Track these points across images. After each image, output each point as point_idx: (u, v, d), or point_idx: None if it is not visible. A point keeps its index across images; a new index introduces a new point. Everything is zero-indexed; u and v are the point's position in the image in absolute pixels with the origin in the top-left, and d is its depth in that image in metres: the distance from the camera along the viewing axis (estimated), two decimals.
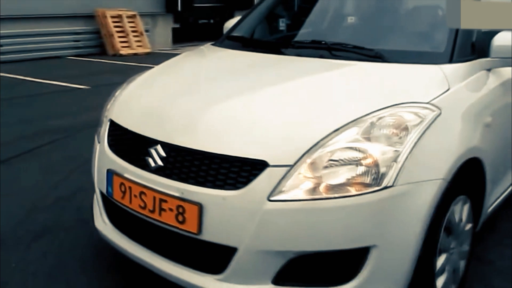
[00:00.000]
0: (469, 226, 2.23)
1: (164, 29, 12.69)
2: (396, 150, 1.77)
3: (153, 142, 1.99)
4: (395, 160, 1.75)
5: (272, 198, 1.72)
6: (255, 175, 1.75)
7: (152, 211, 1.94)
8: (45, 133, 4.76)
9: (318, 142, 1.77)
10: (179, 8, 12.56)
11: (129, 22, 11.02)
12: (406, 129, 1.83)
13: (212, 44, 2.98)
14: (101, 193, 2.28)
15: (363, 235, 1.73)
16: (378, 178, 1.73)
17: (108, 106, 2.47)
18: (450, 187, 1.90)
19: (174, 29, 12.93)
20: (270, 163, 1.75)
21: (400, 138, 1.81)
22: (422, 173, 1.80)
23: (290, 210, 1.72)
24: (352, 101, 1.99)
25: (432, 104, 1.96)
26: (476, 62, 2.37)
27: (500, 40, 2.34)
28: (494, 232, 2.88)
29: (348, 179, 1.73)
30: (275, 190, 1.72)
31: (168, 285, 1.99)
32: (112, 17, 10.72)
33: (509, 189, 2.75)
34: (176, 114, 2.09)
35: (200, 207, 1.80)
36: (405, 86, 2.12)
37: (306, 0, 3.08)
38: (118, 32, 10.65)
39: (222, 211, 1.78)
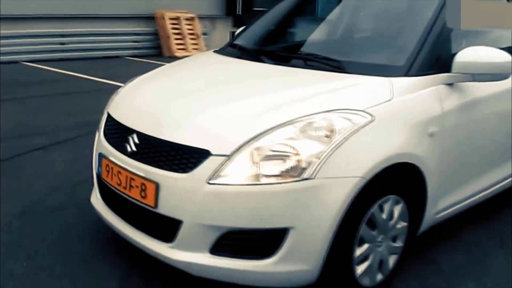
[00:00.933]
0: (403, 224, 2.59)
1: (223, 32, 13.42)
2: (320, 149, 2.20)
3: (132, 132, 2.54)
4: (317, 157, 2.18)
5: (210, 182, 2.20)
6: (200, 162, 2.24)
7: (125, 188, 2.49)
8: (84, 125, 5.49)
9: (254, 137, 2.22)
10: (239, 12, 13.27)
11: (187, 24, 11.82)
12: (333, 131, 2.25)
13: (214, 51, 3.51)
14: (96, 173, 2.86)
15: (282, 217, 2.17)
16: (300, 171, 2.16)
17: (110, 101, 3.07)
18: (372, 186, 2.29)
19: (233, 33, 13.66)
20: (213, 152, 2.23)
21: (329, 138, 2.24)
22: (342, 170, 2.21)
23: (224, 193, 2.19)
24: (296, 104, 2.42)
25: (366, 112, 2.36)
26: (435, 77, 2.68)
27: (462, 56, 2.65)
28: (451, 238, 3.22)
29: (277, 170, 2.18)
30: (214, 175, 2.20)
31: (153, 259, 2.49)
32: (171, 19, 11.56)
33: (469, 200, 3.05)
34: (150, 109, 2.65)
35: (157, 185, 2.32)
36: (349, 95, 2.52)
37: (298, 15, 3.52)
38: (175, 34, 11.48)
39: (173, 189, 2.29)
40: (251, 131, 2.26)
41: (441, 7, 2.86)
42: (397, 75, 2.62)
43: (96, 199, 2.86)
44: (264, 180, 2.17)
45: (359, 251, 2.38)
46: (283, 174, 2.17)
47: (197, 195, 2.22)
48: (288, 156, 2.19)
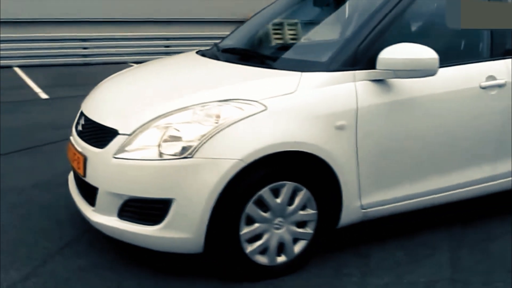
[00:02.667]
0: (310, 212, 2.78)
1: None
2: (204, 132, 2.52)
3: (82, 115, 3.09)
4: (199, 139, 2.51)
5: (115, 156, 2.64)
6: (112, 139, 2.69)
7: (72, 161, 3.03)
8: None
9: (152, 120, 2.61)
10: None
11: None
12: (219, 117, 2.57)
13: (196, 52, 3.92)
14: None
15: (166, 190, 2.53)
16: (182, 149, 2.51)
17: None
18: (257, 170, 2.55)
19: None
20: (120, 131, 2.67)
21: (216, 123, 2.56)
22: (222, 152, 2.50)
23: (124, 166, 2.60)
24: (202, 93, 2.76)
25: (259, 102, 2.62)
26: (357, 73, 2.81)
27: (386, 53, 2.77)
28: (404, 237, 3.28)
29: (166, 148, 2.54)
30: (119, 150, 2.64)
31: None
32: None
33: (411, 201, 3.08)
34: (96, 97, 3.18)
35: (85, 158, 2.83)
36: (253, 86, 2.78)
37: (270, 19, 3.78)
38: None
39: (94, 162, 2.77)
40: (151, 114, 2.66)
41: (380, 8, 2.96)
42: (317, 70, 2.83)
43: (70, 175, 3.45)
44: (154, 156, 2.56)
45: (247, 229, 2.64)
46: (171, 152, 2.54)
47: (107, 167, 2.68)
48: (176, 136, 2.56)
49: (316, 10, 3.49)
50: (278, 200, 2.69)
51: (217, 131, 2.53)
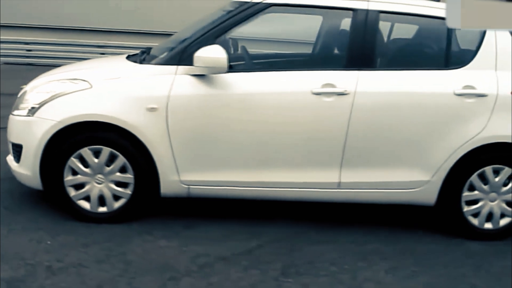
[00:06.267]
0: (127, 176, 3.56)
1: None
2: (43, 99, 3.55)
3: None
4: (38, 103, 3.55)
5: (11, 113, 3.84)
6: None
7: None
8: None
9: (30, 88, 3.75)
10: None
11: None
12: (57, 89, 3.57)
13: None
14: None
15: (19, 137, 3.63)
16: (29, 110, 3.58)
17: None
18: (78, 132, 3.47)
19: None
20: (18, 96, 3.89)
21: (54, 93, 3.55)
22: (49, 114, 3.50)
23: (12, 119, 3.75)
24: (67, 73, 3.81)
25: (88, 82, 3.54)
26: (178, 67, 3.50)
27: (199, 52, 3.40)
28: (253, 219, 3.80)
29: (24, 108, 3.63)
30: (13, 109, 3.82)
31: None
32: None
33: (229, 187, 3.60)
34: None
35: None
36: (95, 71, 3.77)
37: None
38: None
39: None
40: (32, 85, 3.81)
41: (215, 20, 3.67)
42: (151, 63, 3.64)
43: None
44: (21, 113, 3.68)
45: (70, 178, 3.57)
46: (27, 112, 3.63)
47: (9, 121, 3.91)
48: (33, 100, 3.64)
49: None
50: (96, 160, 3.55)
51: (51, 99, 3.55)
